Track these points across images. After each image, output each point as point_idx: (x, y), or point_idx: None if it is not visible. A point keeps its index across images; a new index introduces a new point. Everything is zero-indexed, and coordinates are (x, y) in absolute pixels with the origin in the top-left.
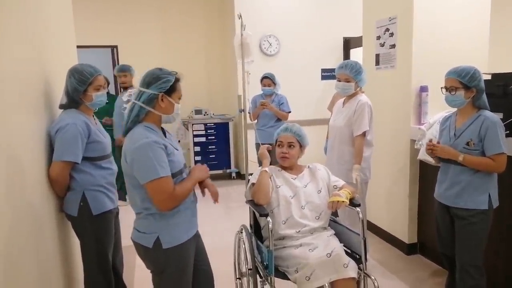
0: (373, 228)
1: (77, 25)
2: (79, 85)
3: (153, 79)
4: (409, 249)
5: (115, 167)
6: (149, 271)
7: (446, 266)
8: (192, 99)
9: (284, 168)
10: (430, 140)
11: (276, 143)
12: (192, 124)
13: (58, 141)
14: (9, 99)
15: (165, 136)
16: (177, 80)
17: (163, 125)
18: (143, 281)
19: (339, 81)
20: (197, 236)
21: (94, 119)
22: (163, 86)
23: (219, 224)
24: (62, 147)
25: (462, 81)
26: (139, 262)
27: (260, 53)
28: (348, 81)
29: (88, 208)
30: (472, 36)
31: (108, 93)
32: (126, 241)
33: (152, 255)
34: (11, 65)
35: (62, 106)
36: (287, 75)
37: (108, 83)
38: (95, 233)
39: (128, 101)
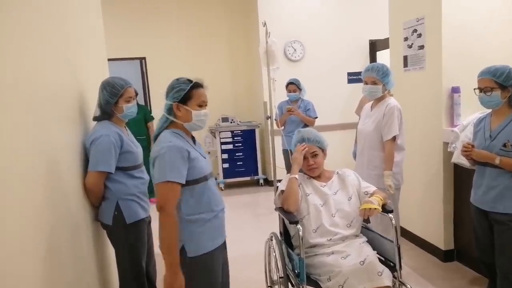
0: (406, 234)
1: (107, 39)
2: (111, 98)
3: (168, 89)
4: (445, 256)
5: (147, 177)
6: None
7: (486, 273)
8: (219, 107)
9: (313, 176)
10: (467, 143)
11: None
12: (219, 132)
13: (93, 152)
14: (47, 111)
15: (195, 144)
16: (195, 87)
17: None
18: None
19: (366, 84)
20: (223, 247)
21: (126, 129)
22: (177, 96)
23: (247, 232)
24: (96, 157)
25: (498, 81)
26: None
27: (284, 59)
28: (375, 84)
29: (122, 217)
30: (504, 34)
31: (137, 103)
32: (159, 249)
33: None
34: (47, 78)
35: (95, 118)
36: (313, 80)
37: (137, 94)
38: (128, 241)
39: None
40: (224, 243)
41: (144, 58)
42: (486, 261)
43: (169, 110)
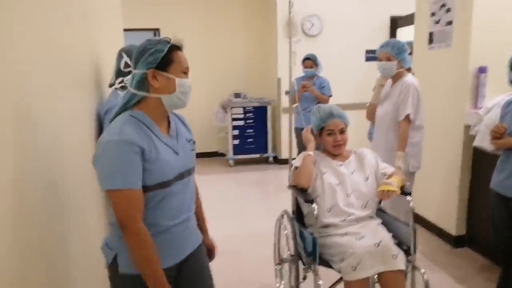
0: (418, 218)
1: (122, 8)
2: (127, 66)
3: (139, 54)
4: (456, 242)
5: None
6: None
7: (501, 261)
8: (232, 83)
9: (330, 154)
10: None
11: (320, 131)
12: (231, 108)
13: (107, 122)
14: (62, 77)
15: (169, 131)
16: (174, 48)
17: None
18: None
19: (380, 60)
20: (190, 259)
21: None
22: (152, 60)
23: (256, 209)
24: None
25: None
26: None
27: (302, 33)
28: (389, 60)
29: None
30: None
31: None
32: None
33: (109, 275)
34: (63, 45)
35: (111, 85)
36: (330, 57)
37: None
38: None
39: (123, 88)
40: (197, 249)
41: (158, 29)
42: (503, 248)
43: (140, 83)
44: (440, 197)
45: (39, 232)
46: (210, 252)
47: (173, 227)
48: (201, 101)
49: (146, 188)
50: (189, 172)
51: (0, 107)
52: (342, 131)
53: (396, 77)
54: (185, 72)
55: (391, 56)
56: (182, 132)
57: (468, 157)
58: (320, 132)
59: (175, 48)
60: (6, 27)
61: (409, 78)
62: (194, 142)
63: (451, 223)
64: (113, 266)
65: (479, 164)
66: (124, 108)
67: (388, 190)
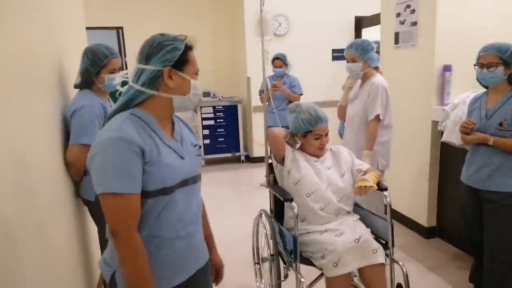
0: (391, 211)
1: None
2: (92, 67)
3: (153, 49)
4: (428, 233)
5: None
6: None
7: (472, 252)
8: (200, 82)
9: (306, 151)
10: (469, 119)
11: (306, 133)
12: (201, 107)
13: (74, 124)
14: (24, 78)
15: (172, 134)
16: (188, 48)
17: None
18: None
19: (348, 62)
20: (197, 277)
21: (110, 101)
22: (169, 57)
23: (229, 210)
24: (79, 129)
25: (503, 57)
26: None
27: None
28: (354, 61)
29: None
30: (500, 14)
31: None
32: None
33: None
34: (23, 44)
35: (76, 86)
36: (297, 56)
37: (121, 68)
38: None
39: (123, 83)
40: (203, 267)
41: (122, 28)
42: (474, 240)
43: (152, 80)
44: (411, 190)
45: None
46: (217, 271)
47: (176, 240)
48: None
49: (146, 194)
50: (194, 180)
51: None
52: (326, 134)
53: (365, 77)
54: (196, 74)
55: (355, 57)
56: (187, 135)
57: (436, 152)
58: (305, 134)
59: (189, 47)
60: None
61: (377, 78)
62: (200, 147)
63: (423, 215)
64: (112, 284)
65: (447, 158)
66: (126, 106)
67: (365, 186)
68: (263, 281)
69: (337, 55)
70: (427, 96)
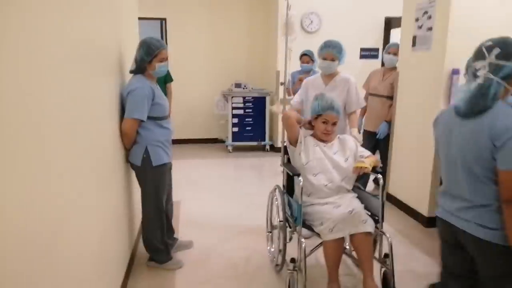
0: (395, 201)
1: None
2: (146, 56)
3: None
4: (428, 222)
5: (172, 128)
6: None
7: None
8: (233, 73)
9: (317, 137)
10: None
11: (316, 116)
12: (232, 97)
13: (129, 102)
14: (92, 64)
15: None
16: None
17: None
18: (187, 230)
19: (325, 60)
20: None
21: (156, 85)
22: None
23: (251, 189)
24: (132, 106)
25: None
26: (182, 214)
27: (301, 30)
28: (333, 60)
29: (149, 160)
30: (510, 22)
31: None
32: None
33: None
34: (92, 35)
35: (131, 71)
36: None
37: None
38: (153, 181)
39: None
40: None
41: (165, 19)
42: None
43: (508, 76)
44: (415, 181)
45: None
46: None
47: None
48: (203, 90)
49: None
50: None
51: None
52: (334, 123)
53: (333, 74)
54: None
55: (334, 56)
56: None
57: None
58: (316, 116)
59: None
60: (53, 21)
61: (345, 74)
62: None
63: (424, 205)
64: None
65: None
66: (495, 98)
67: (361, 167)
68: (273, 246)
69: (365, 53)
70: (436, 96)
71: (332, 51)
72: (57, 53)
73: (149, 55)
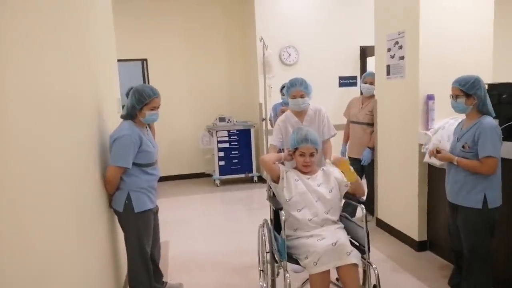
0: (385, 226)
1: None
2: (137, 104)
3: None
4: (419, 246)
5: (158, 173)
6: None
7: (454, 261)
8: (216, 107)
9: (305, 172)
10: (436, 148)
11: (294, 150)
12: (216, 131)
13: (114, 149)
14: (68, 111)
15: None
16: None
17: None
18: (176, 271)
19: (295, 97)
20: None
21: (147, 130)
22: None
23: (241, 224)
24: (117, 154)
25: (463, 89)
26: (172, 255)
27: (279, 63)
28: (302, 97)
29: (131, 206)
30: (476, 47)
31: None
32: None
33: None
34: (68, 82)
35: (122, 117)
36: None
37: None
38: (136, 226)
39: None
40: None
41: (146, 59)
42: (455, 248)
43: None
44: (403, 206)
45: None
46: None
47: None
48: (187, 126)
49: None
50: None
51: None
52: (311, 155)
53: (305, 110)
54: None
55: (304, 93)
56: None
57: (423, 171)
58: (294, 150)
59: None
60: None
61: (319, 106)
62: None
63: (414, 229)
64: None
65: (433, 176)
66: None
67: (343, 167)
68: (266, 283)
69: (344, 82)
70: (414, 122)
71: (299, 88)
72: (27, 104)
73: (140, 103)
